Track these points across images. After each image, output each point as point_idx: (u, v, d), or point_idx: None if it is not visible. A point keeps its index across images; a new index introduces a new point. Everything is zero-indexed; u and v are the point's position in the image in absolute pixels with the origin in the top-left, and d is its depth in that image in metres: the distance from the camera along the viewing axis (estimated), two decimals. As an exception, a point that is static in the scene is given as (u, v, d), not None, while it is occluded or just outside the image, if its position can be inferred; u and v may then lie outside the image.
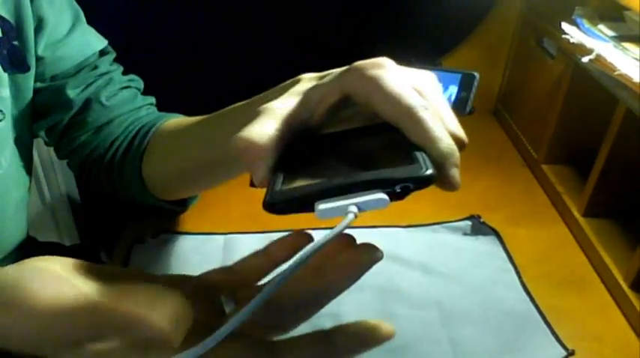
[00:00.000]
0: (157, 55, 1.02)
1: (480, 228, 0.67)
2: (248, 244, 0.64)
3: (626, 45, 0.58)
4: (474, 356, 0.51)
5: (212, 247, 0.63)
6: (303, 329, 0.53)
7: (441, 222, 0.68)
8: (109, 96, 0.58)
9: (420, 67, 0.87)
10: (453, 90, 0.82)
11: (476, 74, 0.81)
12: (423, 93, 0.31)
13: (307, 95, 0.33)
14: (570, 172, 0.76)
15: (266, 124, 0.31)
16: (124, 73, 0.62)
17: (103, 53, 0.60)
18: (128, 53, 1.01)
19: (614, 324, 0.56)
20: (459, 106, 0.82)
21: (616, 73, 0.54)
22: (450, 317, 0.55)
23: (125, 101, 0.59)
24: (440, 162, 0.29)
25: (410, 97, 0.29)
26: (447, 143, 0.30)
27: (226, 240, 0.64)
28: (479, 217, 0.68)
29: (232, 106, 0.50)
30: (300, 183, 0.29)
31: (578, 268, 0.63)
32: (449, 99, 0.82)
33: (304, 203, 0.28)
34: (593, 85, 0.62)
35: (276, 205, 0.28)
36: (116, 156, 0.58)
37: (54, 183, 1.10)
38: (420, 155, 0.28)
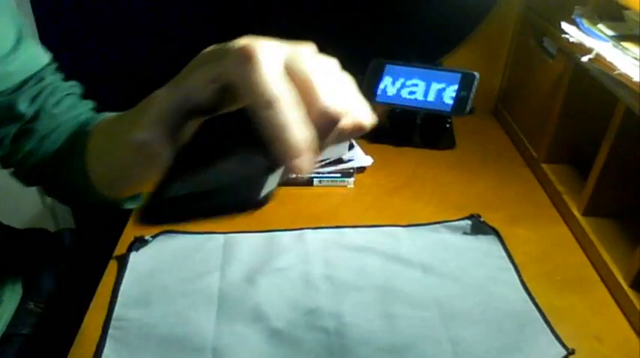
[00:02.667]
0: (154, 55, 1.03)
1: (479, 227, 0.67)
2: (248, 243, 0.64)
3: (626, 44, 0.58)
4: (473, 355, 0.51)
5: (212, 246, 0.63)
6: (303, 328, 0.53)
7: (441, 221, 0.68)
8: (55, 103, 0.59)
9: (420, 67, 0.87)
10: (453, 90, 0.81)
11: (476, 74, 0.81)
12: (293, 73, 0.31)
13: (192, 82, 0.34)
14: (570, 172, 0.76)
15: (156, 119, 0.33)
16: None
17: (46, 64, 0.60)
18: (128, 52, 1.01)
19: (614, 324, 0.56)
20: (458, 106, 0.82)
21: (616, 72, 0.54)
22: (450, 316, 0.55)
23: (69, 108, 0.60)
24: (280, 158, 0.30)
25: (263, 94, 0.30)
26: (288, 142, 0.30)
27: (226, 239, 0.64)
28: (479, 216, 0.68)
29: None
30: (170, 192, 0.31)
31: (578, 268, 0.63)
32: (449, 98, 0.82)
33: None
34: (593, 84, 0.62)
35: (143, 216, 0.31)
36: (60, 161, 0.59)
37: (54, 183, 1.10)
38: (264, 179, 0.31)
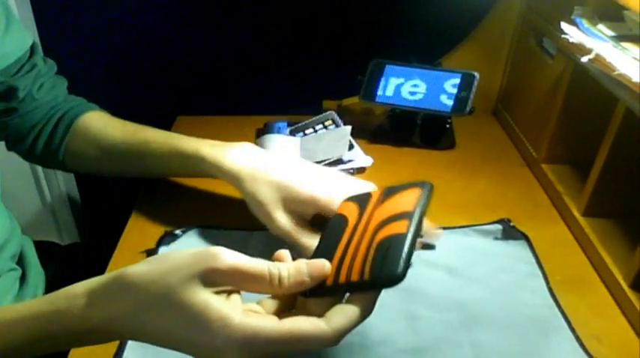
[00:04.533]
0: (161, 55, 1.03)
1: (510, 232, 0.65)
2: (265, 241, 0.62)
3: (626, 45, 0.58)
4: None
5: (234, 241, 0.63)
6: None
7: (470, 225, 0.67)
8: (38, 88, 0.65)
9: (420, 67, 0.87)
10: (453, 90, 0.82)
11: (476, 74, 0.81)
12: None
13: None
14: (570, 172, 0.76)
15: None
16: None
17: (33, 48, 0.65)
18: (135, 52, 1.01)
19: (614, 324, 0.56)
20: (459, 106, 0.82)
21: (615, 72, 0.54)
22: (472, 320, 0.54)
23: (47, 91, 0.67)
24: None
25: None
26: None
27: (257, 235, 0.64)
28: (509, 221, 0.66)
29: (163, 138, 0.64)
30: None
31: (578, 268, 0.63)
32: (449, 99, 0.82)
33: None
34: (593, 84, 0.62)
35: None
36: (38, 143, 0.66)
37: (54, 183, 1.10)
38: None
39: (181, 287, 0.36)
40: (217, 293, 0.37)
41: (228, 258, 0.37)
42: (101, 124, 0.67)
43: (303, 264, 0.40)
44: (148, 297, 0.37)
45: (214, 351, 0.36)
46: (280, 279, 0.38)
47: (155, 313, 0.37)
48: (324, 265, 0.40)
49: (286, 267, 0.39)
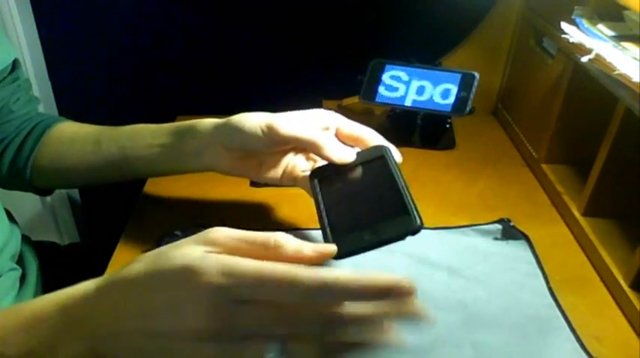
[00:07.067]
0: (163, 55, 1.03)
1: (510, 232, 0.66)
2: None
3: (626, 44, 0.58)
4: None
5: None
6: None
7: (471, 225, 0.67)
8: (15, 101, 0.65)
9: (420, 67, 0.87)
10: (453, 90, 0.82)
11: (476, 74, 0.81)
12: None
13: None
14: (570, 172, 0.76)
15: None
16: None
17: (15, 64, 0.65)
18: (136, 53, 1.01)
19: (614, 324, 0.56)
20: (459, 106, 0.82)
21: (615, 72, 0.54)
22: (473, 320, 0.54)
23: (23, 105, 0.66)
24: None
25: None
26: None
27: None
28: (509, 221, 0.67)
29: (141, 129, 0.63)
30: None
31: (578, 268, 0.63)
32: (449, 98, 0.82)
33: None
34: (593, 84, 0.63)
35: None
36: (4, 156, 0.65)
37: (54, 183, 1.10)
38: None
39: (168, 250, 0.38)
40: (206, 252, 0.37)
41: (225, 228, 0.39)
42: (75, 129, 0.67)
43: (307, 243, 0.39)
44: (133, 274, 0.37)
45: (189, 293, 0.35)
46: (276, 242, 0.38)
47: (140, 285, 0.36)
48: (331, 246, 0.40)
49: (286, 236, 0.38)
